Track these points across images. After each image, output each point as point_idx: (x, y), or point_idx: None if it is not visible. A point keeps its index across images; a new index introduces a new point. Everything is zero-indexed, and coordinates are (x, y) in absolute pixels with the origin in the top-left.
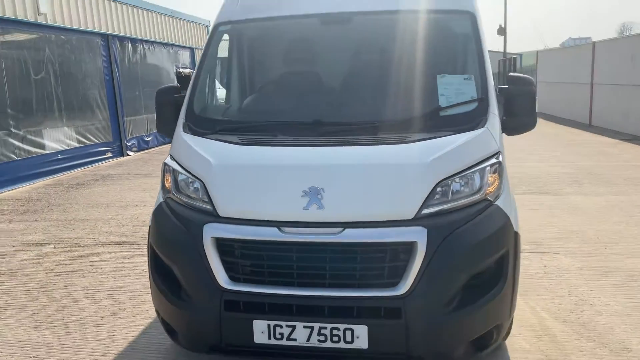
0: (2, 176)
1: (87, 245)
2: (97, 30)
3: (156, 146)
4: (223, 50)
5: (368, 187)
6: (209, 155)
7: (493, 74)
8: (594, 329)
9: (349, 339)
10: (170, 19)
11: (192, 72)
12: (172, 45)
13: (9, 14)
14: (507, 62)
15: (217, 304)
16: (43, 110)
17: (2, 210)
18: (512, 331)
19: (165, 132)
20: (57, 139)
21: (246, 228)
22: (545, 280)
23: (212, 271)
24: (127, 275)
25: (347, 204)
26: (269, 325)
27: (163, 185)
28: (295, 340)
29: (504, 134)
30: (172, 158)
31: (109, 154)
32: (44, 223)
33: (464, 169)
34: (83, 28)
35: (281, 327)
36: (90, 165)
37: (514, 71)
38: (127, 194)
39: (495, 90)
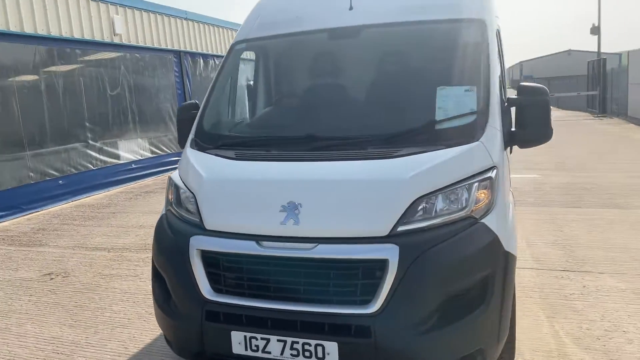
0: (80, 184)
1: (136, 250)
2: (169, 47)
3: None
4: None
5: (343, 202)
6: (202, 169)
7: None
8: (618, 359)
9: (320, 354)
10: None
11: None
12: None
13: (87, 36)
14: (596, 63)
15: (199, 313)
16: (118, 124)
17: (73, 216)
18: (526, 356)
19: (184, 147)
20: (131, 149)
21: (228, 241)
22: (579, 301)
23: (196, 282)
24: None
25: (321, 220)
26: (245, 337)
27: (167, 198)
28: (269, 353)
29: (516, 146)
30: (178, 173)
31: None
32: (105, 228)
33: (448, 185)
34: (156, 46)
35: (256, 339)
36: (161, 175)
37: (604, 74)
38: None
39: (504, 101)
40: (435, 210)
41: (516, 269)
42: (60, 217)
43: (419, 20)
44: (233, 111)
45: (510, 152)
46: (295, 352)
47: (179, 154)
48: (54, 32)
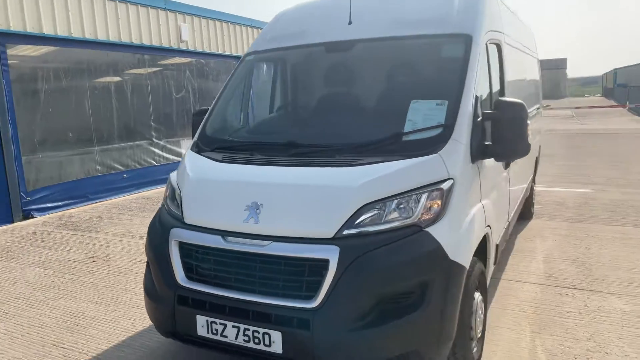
0: (143, 178)
1: None
2: (234, 54)
3: None
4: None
5: (297, 205)
6: (190, 169)
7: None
8: None
9: (266, 342)
10: None
11: None
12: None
13: (155, 43)
14: None
15: (172, 297)
16: (181, 124)
17: (131, 207)
18: None
19: None
20: None
21: (200, 234)
22: (573, 320)
23: (173, 269)
24: None
25: (277, 220)
26: (207, 321)
27: (164, 194)
28: (227, 337)
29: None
30: (177, 172)
31: None
32: None
33: (396, 194)
34: (221, 52)
35: (216, 324)
36: None
37: None
38: None
39: (478, 115)
40: (381, 217)
41: (521, 283)
42: (120, 207)
43: (408, 35)
44: (235, 118)
45: (507, 167)
46: (246, 338)
47: None
48: (125, 39)
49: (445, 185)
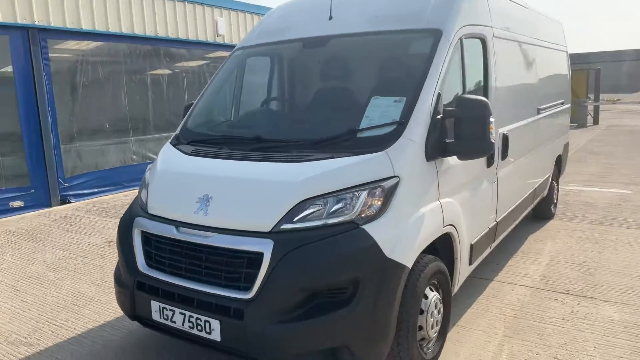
0: None
1: None
2: None
3: None
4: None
5: (242, 199)
6: (160, 162)
7: None
8: None
9: (207, 330)
10: None
11: None
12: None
13: (191, 37)
14: None
15: (133, 283)
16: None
17: None
18: None
19: None
20: None
21: (158, 224)
22: (552, 326)
23: (135, 256)
24: None
25: (222, 212)
26: (159, 307)
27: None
28: (175, 322)
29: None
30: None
31: None
32: None
33: (335, 191)
34: None
35: (167, 309)
36: None
37: None
38: None
39: (438, 113)
40: (321, 213)
41: (512, 286)
42: None
43: (381, 30)
44: (216, 112)
45: (490, 165)
46: (191, 325)
47: None
48: (161, 34)
49: (387, 184)
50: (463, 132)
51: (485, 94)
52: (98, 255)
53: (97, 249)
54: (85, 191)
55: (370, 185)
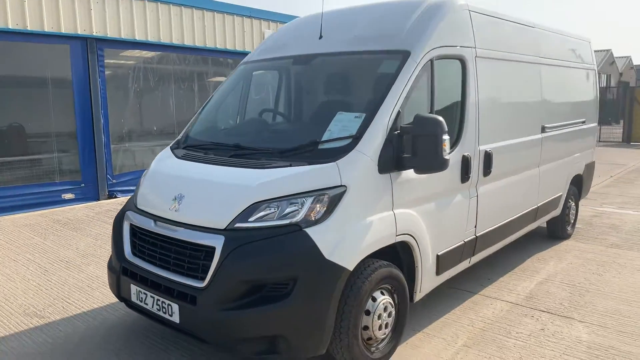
0: None
1: None
2: None
3: None
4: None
5: (206, 198)
6: (153, 162)
7: None
8: None
9: (170, 312)
10: None
11: None
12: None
13: (239, 48)
14: None
15: (119, 268)
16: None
17: None
18: None
19: None
20: None
21: (141, 218)
22: (515, 340)
23: (124, 245)
24: None
25: (189, 210)
26: (137, 290)
27: None
28: (147, 305)
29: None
30: None
31: None
32: None
33: (285, 195)
34: None
35: (142, 293)
36: None
37: None
38: None
39: (395, 129)
40: (273, 215)
41: (494, 300)
42: None
43: (359, 50)
44: (215, 120)
45: (464, 181)
46: (158, 307)
47: None
48: (210, 44)
49: (333, 192)
50: (418, 148)
51: (462, 113)
52: None
53: None
54: (131, 188)
55: (317, 192)
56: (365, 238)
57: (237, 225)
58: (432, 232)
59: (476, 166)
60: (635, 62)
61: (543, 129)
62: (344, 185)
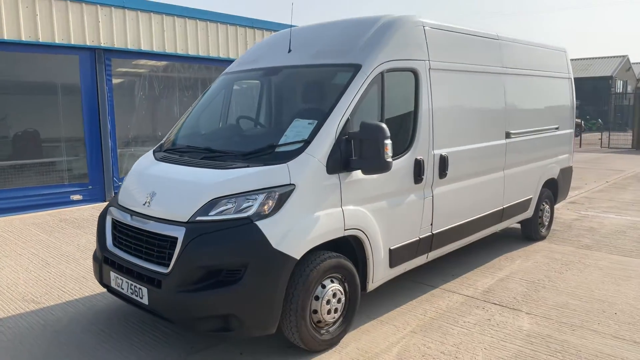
0: None
1: None
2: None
3: None
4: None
5: (173, 195)
6: (135, 164)
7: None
8: None
9: (140, 295)
10: None
11: None
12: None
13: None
14: None
15: (101, 258)
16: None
17: None
18: (348, 349)
19: None
20: None
21: (120, 212)
22: (460, 328)
23: (106, 237)
24: None
25: (159, 205)
26: (115, 276)
27: None
28: (123, 289)
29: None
30: None
31: None
32: None
33: (241, 192)
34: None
35: (119, 278)
36: None
37: None
38: None
39: (344, 134)
40: (230, 210)
41: (452, 294)
42: None
43: (319, 63)
44: (194, 126)
45: (417, 182)
46: (132, 291)
47: None
48: (213, 54)
49: (282, 190)
50: (363, 151)
51: (415, 120)
52: None
53: None
54: None
55: (268, 190)
56: (312, 231)
57: (198, 218)
58: (383, 227)
59: (430, 169)
60: None
61: (508, 135)
62: (293, 184)
